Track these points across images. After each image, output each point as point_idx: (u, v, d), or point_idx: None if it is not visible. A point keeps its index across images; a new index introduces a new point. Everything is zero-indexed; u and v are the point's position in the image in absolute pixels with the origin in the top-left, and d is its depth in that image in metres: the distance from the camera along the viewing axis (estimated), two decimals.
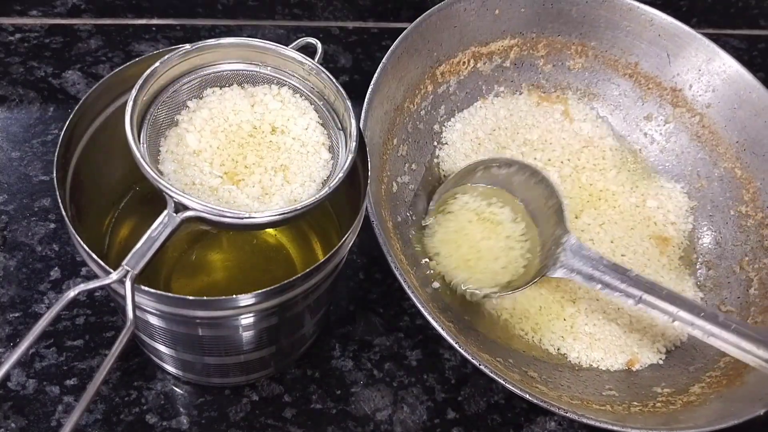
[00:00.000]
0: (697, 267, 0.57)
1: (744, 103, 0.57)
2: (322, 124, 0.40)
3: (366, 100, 0.48)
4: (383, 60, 0.51)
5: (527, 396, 0.41)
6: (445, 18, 0.55)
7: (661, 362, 0.51)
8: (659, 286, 0.48)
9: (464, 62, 0.59)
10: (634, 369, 0.50)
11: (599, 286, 0.49)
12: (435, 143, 0.58)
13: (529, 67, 0.62)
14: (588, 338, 0.51)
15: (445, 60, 0.57)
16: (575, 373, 0.49)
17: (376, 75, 0.50)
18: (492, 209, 0.54)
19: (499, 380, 0.41)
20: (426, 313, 0.42)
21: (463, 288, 0.51)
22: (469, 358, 0.41)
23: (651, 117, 0.62)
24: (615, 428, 0.42)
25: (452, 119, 0.60)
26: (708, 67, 0.59)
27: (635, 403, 0.47)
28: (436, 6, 0.54)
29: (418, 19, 0.53)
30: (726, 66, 0.58)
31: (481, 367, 0.41)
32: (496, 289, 0.51)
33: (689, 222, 0.59)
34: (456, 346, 0.41)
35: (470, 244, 0.52)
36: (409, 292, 0.43)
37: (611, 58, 0.62)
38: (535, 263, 0.52)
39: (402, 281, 0.43)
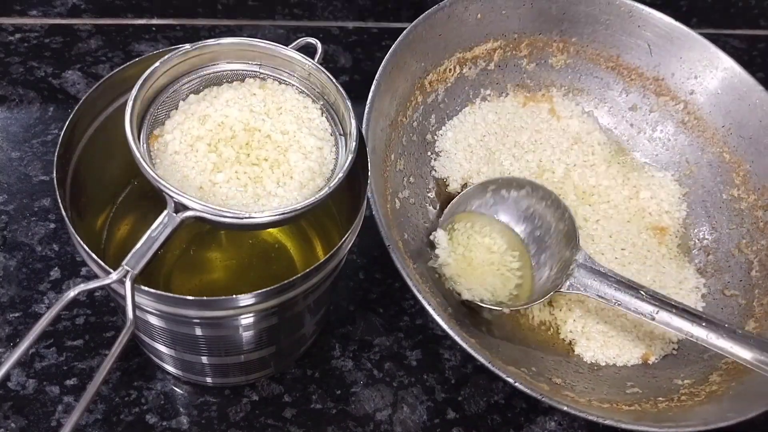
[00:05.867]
0: (696, 253, 0.57)
1: (726, 87, 0.58)
2: (321, 125, 0.40)
3: (364, 120, 0.48)
4: (376, 77, 0.51)
5: (565, 408, 0.42)
6: (430, 27, 0.55)
7: (674, 352, 0.51)
8: (674, 301, 0.48)
9: (450, 69, 0.59)
10: (650, 362, 0.51)
11: (613, 302, 0.48)
12: (429, 153, 0.58)
13: (513, 68, 0.62)
14: (601, 336, 0.51)
15: (432, 69, 0.57)
16: (595, 373, 0.49)
17: (371, 93, 0.50)
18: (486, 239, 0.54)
19: (535, 395, 0.42)
20: (461, 341, 0.42)
21: (467, 297, 0.50)
22: (503, 375, 0.42)
23: (636, 108, 0.63)
24: (652, 430, 0.42)
25: (443, 128, 0.60)
26: (689, 55, 0.59)
27: (660, 398, 0.47)
28: (421, 16, 0.54)
29: (404, 32, 0.53)
30: (706, 52, 0.59)
31: (517, 384, 0.42)
32: (501, 300, 0.51)
33: (683, 209, 0.59)
34: (491, 367, 0.42)
35: (473, 258, 0.53)
36: (438, 319, 0.43)
37: (593, 53, 0.62)
38: (526, 287, 0.52)
39: (431, 311, 0.43)
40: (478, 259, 0.52)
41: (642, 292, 0.48)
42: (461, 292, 0.50)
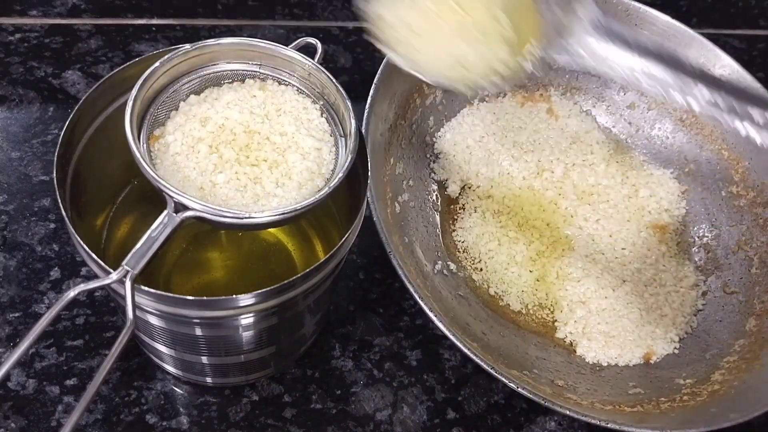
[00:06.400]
0: (696, 251, 0.58)
1: None
2: (321, 125, 0.40)
3: (363, 123, 0.48)
4: (375, 81, 0.51)
5: (567, 412, 0.42)
6: None
7: (676, 351, 0.52)
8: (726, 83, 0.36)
9: None
10: (651, 362, 0.51)
11: (637, 80, 0.36)
12: (428, 156, 0.58)
13: None
14: (603, 337, 0.51)
15: None
16: (597, 373, 0.50)
17: (370, 97, 0.50)
18: None
19: (538, 400, 0.42)
20: (463, 347, 0.42)
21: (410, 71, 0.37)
22: (506, 381, 0.42)
23: (633, 106, 0.63)
24: None
25: (442, 129, 0.60)
26: (686, 53, 0.59)
27: (663, 398, 0.47)
28: None
29: None
30: (703, 50, 0.59)
31: (520, 390, 0.42)
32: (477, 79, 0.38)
33: (682, 207, 0.59)
34: (495, 373, 0.42)
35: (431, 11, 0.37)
36: (440, 325, 0.43)
37: None
38: (524, 57, 0.38)
39: (433, 317, 0.43)
40: (442, 12, 0.36)
41: (680, 63, 0.35)
42: (401, 61, 0.37)
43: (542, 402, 0.42)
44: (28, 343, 0.31)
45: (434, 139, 0.59)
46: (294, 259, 0.48)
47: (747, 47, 0.76)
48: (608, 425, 0.42)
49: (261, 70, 0.41)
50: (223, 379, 0.46)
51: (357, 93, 0.42)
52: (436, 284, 0.51)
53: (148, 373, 0.47)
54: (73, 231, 0.34)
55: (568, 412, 0.42)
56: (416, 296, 0.43)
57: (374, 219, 0.45)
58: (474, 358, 0.42)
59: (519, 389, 0.42)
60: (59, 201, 0.36)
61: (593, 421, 0.42)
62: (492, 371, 0.42)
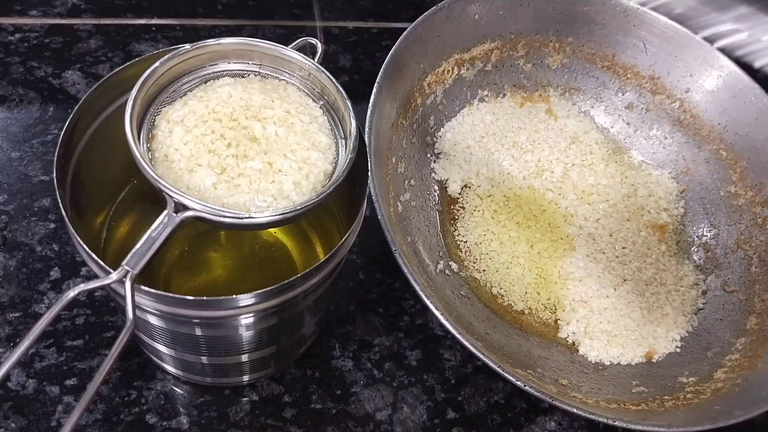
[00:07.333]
0: (695, 250, 0.58)
1: (722, 85, 0.58)
2: (322, 124, 0.40)
3: (366, 122, 0.48)
4: (377, 80, 0.51)
5: (575, 410, 0.42)
6: (429, 28, 0.55)
7: (678, 350, 0.52)
8: None
9: (448, 71, 0.59)
10: (654, 360, 0.51)
11: None
12: (429, 155, 0.58)
13: (510, 68, 0.63)
14: (605, 336, 0.51)
15: (431, 71, 0.58)
16: (600, 372, 0.50)
17: (373, 96, 0.50)
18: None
19: (545, 398, 0.42)
20: (470, 346, 0.42)
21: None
22: (512, 379, 0.42)
23: (632, 106, 0.63)
24: (661, 430, 0.42)
25: (442, 129, 0.60)
26: (684, 53, 0.60)
27: (666, 397, 0.47)
28: (420, 18, 0.55)
29: (404, 34, 0.53)
30: (701, 50, 0.59)
31: (527, 388, 0.42)
32: None
33: (681, 207, 0.59)
34: (502, 371, 0.42)
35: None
36: (446, 324, 0.43)
37: (589, 52, 0.63)
38: None
39: (439, 316, 0.43)
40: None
41: None
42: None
43: (549, 400, 0.42)
44: (28, 343, 0.31)
45: (435, 139, 0.59)
46: (294, 259, 0.48)
47: None
48: (615, 423, 0.42)
49: (261, 71, 0.41)
50: (223, 379, 0.46)
51: (357, 93, 0.42)
52: (438, 284, 0.51)
53: (148, 373, 0.47)
54: (73, 231, 0.34)
55: (575, 410, 0.42)
56: (422, 295, 0.43)
57: (379, 218, 0.45)
58: (482, 357, 0.42)
59: (526, 387, 0.42)
60: (59, 201, 0.36)
61: (600, 419, 0.42)
62: (500, 370, 0.42)
